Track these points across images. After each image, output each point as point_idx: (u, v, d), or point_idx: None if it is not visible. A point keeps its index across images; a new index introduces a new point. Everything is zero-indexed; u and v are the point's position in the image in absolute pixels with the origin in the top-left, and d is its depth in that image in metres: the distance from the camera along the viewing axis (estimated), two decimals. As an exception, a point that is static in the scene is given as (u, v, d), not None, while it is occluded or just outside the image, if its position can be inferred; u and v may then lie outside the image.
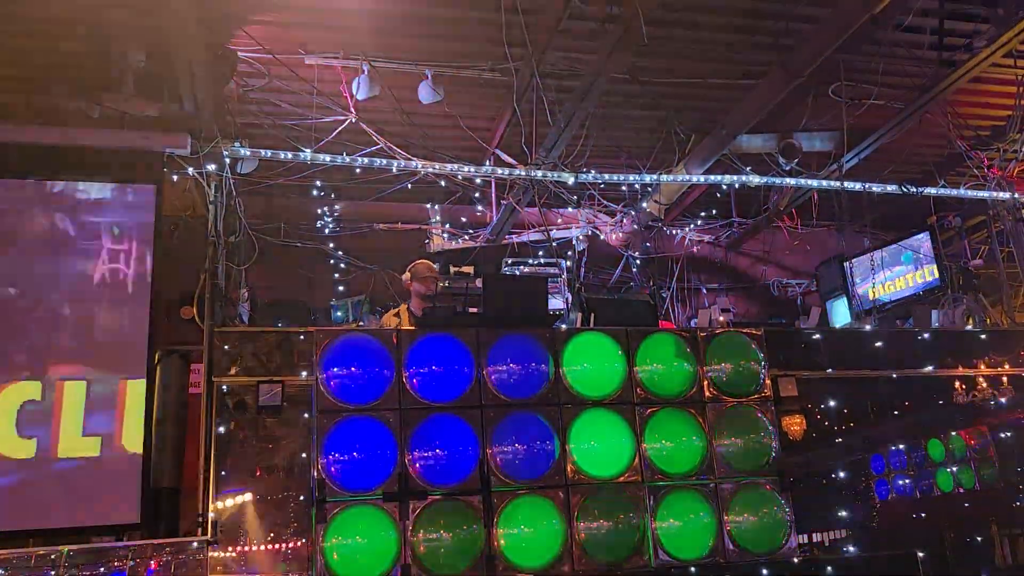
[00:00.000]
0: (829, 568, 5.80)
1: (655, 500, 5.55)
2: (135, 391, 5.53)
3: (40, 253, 5.71)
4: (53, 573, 4.99)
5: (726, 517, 5.65)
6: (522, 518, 5.29)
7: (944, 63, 7.46)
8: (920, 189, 8.71)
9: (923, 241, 9.08)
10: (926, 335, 7.03)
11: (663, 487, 5.61)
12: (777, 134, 8.19)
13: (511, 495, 5.32)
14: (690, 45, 6.88)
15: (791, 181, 8.45)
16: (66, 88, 6.02)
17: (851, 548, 8.42)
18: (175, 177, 6.29)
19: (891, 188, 8.62)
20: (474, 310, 6.35)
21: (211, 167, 6.32)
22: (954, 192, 8.84)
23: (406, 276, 6.88)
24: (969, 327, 7.82)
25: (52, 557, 5.00)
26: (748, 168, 8.29)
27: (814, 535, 8.82)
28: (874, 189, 8.52)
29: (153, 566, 5.09)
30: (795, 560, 5.69)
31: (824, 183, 8.50)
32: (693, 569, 5.49)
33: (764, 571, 5.58)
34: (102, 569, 5.02)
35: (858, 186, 8.43)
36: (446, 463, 5.30)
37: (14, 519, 5.25)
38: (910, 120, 7.99)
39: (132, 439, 5.45)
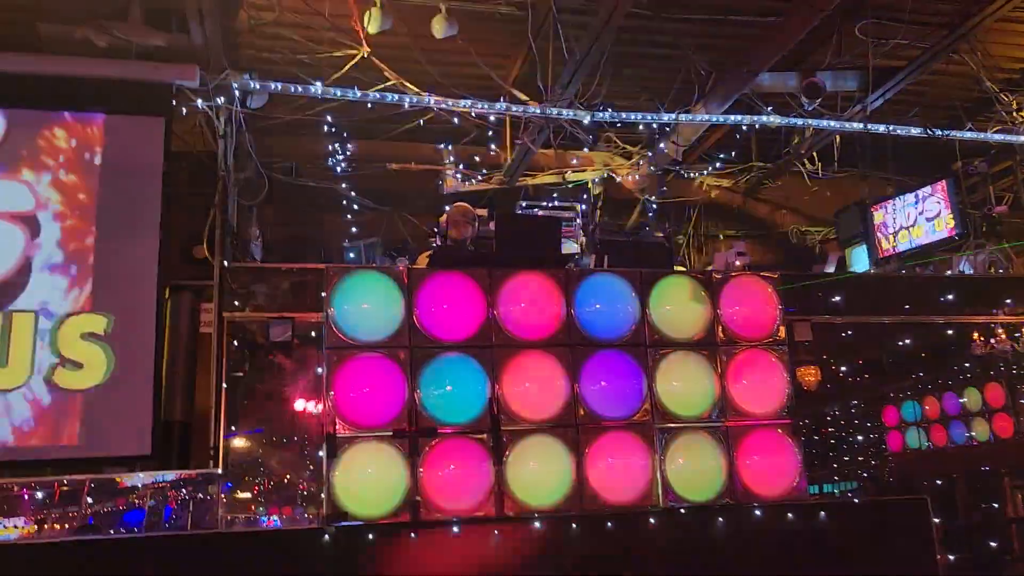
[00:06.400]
0: (840, 512, 5.76)
1: (665, 442, 5.53)
2: (145, 325, 5.53)
3: (48, 184, 5.66)
4: (74, 506, 5.07)
5: (736, 460, 5.62)
6: (532, 457, 5.29)
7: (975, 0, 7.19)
8: (946, 132, 8.47)
9: (947, 187, 8.86)
10: (946, 283, 6.89)
11: (673, 429, 5.58)
12: (799, 73, 7.95)
13: (521, 434, 5.31)
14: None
15: (812, 122, 8.23)
16: (73, 17, 5.90)
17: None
18: (184, 111, 6.19)
19: (916, 131, 8.38)
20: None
21: (220, 100, 6.21)
22: (981, 136, 8.60)
23: (443, 218, 6.81)
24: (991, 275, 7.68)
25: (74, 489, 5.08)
26: (769, 108, 8.08)
27: (824, 485, 8.85)
28: (898, 132, 8.29)
29: (172, 504, 5.15)
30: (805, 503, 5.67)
31: (847, 125, 8.27)
32: (701, 511, 5.49)
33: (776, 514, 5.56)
34: (121, 506, 5.10)
35: (882, 128, 8.21)
36: (456, 401, 5.29)
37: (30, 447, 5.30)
38: (938, 60, 7.74)
39: (144, 372, 5.46)
